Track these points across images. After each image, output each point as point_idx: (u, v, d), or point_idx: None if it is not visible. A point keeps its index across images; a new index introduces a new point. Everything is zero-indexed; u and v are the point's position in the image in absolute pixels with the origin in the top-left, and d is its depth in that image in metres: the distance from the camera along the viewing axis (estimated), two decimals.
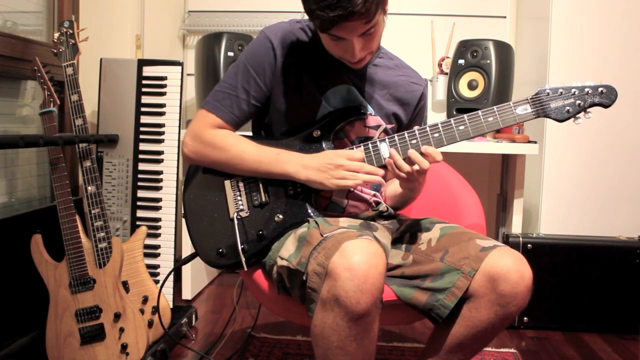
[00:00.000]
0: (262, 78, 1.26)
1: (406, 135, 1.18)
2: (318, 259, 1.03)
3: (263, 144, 1.26)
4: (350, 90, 1.27)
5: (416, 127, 1.19)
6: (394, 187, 1.40)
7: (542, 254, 2.04)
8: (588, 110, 1.15)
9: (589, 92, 1.14)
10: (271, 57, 1.25)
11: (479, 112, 1.17)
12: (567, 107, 1.15)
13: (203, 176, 1.32)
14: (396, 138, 1.19)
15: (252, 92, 1.26)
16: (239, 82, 1.26)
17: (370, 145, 1.21)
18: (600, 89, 1.14)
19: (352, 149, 1.23)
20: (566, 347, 1.93)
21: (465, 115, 1.17)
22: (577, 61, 2.17)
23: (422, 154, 1.14)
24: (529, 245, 2.04)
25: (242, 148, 1.24)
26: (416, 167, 1.14)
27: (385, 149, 1.19)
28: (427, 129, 1.18)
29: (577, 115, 1.16)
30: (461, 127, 1.17)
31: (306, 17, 1.13)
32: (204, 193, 1.32)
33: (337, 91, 1.27)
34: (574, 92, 1.15)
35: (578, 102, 1.14)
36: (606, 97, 1.14)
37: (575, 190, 2.22)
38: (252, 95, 1.26)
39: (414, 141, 1.18)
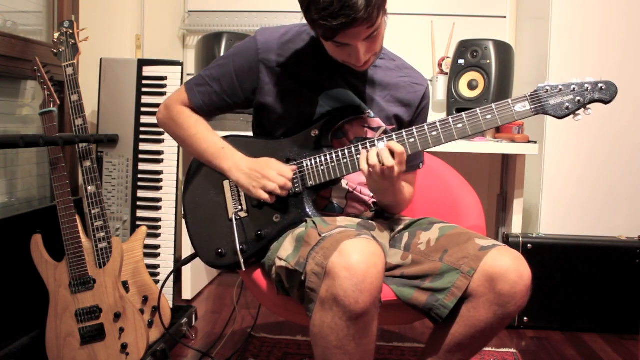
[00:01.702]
0: (239, 79, 1.28)
1: (404, 133, 1.18)
2: (316, 259, 1.03)
3: (261, 144, 1.27)
4: (347, 93, 1.27)
5: (414, 126, 1.19)
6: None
7: (542, 254, 2.04)
8: (588, 106, 1.13)
9: (589, 88, 1.13)
10: (255, 62, 1.26)
11: (477, 110, 1.16)
12: (567, 104, 1.13)
13: (202, 177, 1.33)
14: (394, 137, 1.19)
15: (226, 87, 1.29)
16: (218, 74, 1.30)
17: (368, 144, 1.20)
18: (599, 85, 1.13)
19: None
20: (566, 347, 1.93)
21: (463, 114, 1.16)
22: (577, 61, 2.17)
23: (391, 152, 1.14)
24: (529, 245, 2.04)
25: (197, 132, 1.30)
26: (392, 164, 1.12)
27: (382, 147, 1.19)
28: (425, 127, 1.18)
29: (577, 112, 1.14)
30: (459, 126, 1.17)
31: (304, 19, 1.13)
32: (204, 194, 1.32)
33: (334, 94, 1.26)
34: (573, 88, 1.13)
35: (577, 98, 1.13)
36: (606, 93, 1.12)
37: (575, 190, 2.21)
38: (225, 90, 1.30)
39: (412, 140, 1.18)
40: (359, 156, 1.20)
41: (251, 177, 1.22)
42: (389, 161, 1.12)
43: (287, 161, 1.27)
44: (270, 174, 1.21)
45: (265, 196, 1.20)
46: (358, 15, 1.01)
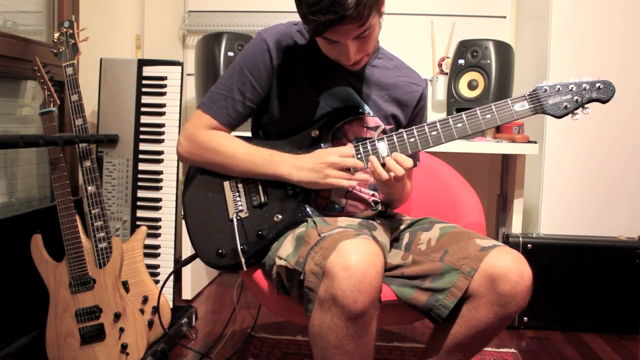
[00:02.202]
0: (257, 80, 1.26)
1: (404, 133, 1.18)
2: (315, 259, 1.03)
3: (258, 145, 1.27)
4: (347, 91, 1.27)
5: (414, 126, 1.19)
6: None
7: (542, 254, 2.04)
8: (586, 106, 1.15)
9: (587, 87, 1.14)
10: (267, 59, 1.25)
11: (477, 109, 1.16)
12: (565, 103, 1.14)
13: (202, 177, 1.32)
14: (394, 137, 1.19)
15: (248, 94, 1.26)
16: (234, 84, 1.26)
17: (368, 144, 1.20)
18: (597, 85, 1.14)
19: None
20: (566, 347, 1.93)
21: (463, 113, 1.17)
22: (577, 61, 2.17)
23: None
24: (529, 245, 2.04)
25: (235, 149, 1.25)
26: (392, 173, 1.14)
27: (383, 147, 1.19)
28: (425, 127, 1.18)
29: (575, 111, 1.15)
30: (459, 125, 1.17)
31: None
32: (204, 194, 1.32)
33: (334, 92, 1.27)
34: (572, 88, 1.14)
35: (576, 98, 1.14)
36: (604, 92, 1.14)
37: (575, 190, 2.21)
38: (248, 97, 1.27)
39: (412, 139, 1.18)
40: (375, 148, 1.20)
41: (318, 171, 1.18)
42: (399, 171, 1.13)
43: None
44: (334, 159, 1.18)
45: (340, 182, 1.17)
46: (347, 12, 1.02)
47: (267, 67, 1.26)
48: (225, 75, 1.29)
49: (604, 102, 1.14)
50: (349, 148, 1.20)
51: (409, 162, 1.14)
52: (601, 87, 1.14)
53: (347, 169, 1.19)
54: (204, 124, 1.28)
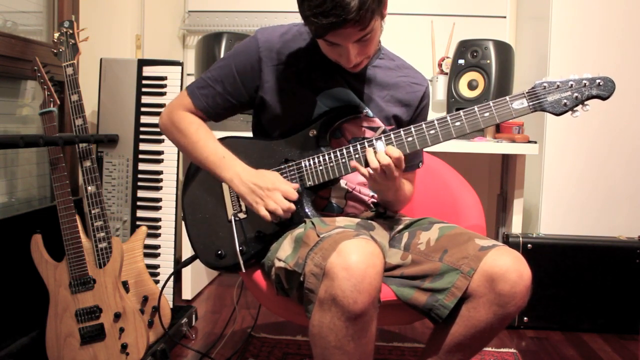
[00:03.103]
0: (241, 78, 1.27)
1: (402, 132, 1.18)
2: (315, 260, 1.03)
3: (260, 145, 1.27)
4: (346, 92, 1.27)
5: (412, 125, 1.19)
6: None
7: (542, 254, 2.04)
8: (586, 102, 1.13)
9: (586, 84, 1.12)
10: (256, 61, 1.26)
11: (475, 107, 1.16)
12: (565, 100, 1.13)
13: (201, 178, 1.33)
14: (392, 135, 1.18)
15: (229, 88, 1.28)
16: (219, 75, 1.29)
17: (366, 144, 1.20)
18: (597, 81, 1.12)
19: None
20: (566, 347, 1.93)
21: (461, 112, 1.16)
22: (577, 61, 2.17)
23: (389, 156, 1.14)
24: (529, 245, 2.04)
25: (199, 139, 1.28)
26: (374, 166, 1.13)
27: (381, 146, 1.19)
28: (423, 126, 1.17)
29: (575, 108, 1.14)
30: (457, 124, 1.16)
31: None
32: (203, 195, 1.32)
33: (332, 93, 1.27)
34: (571, 84, 1.13)
35: (575, 94, 1.12)
36: (603, 88, 1.12)
37: (575, 190, 2.21)
38: (228, 91, 1.29)
39: (410, 138, 1.18)
40: (357, 156, 1.20)
41: (255, 193, 1.19)
42: (384, 159, 1.12)
43: (286, 161, 1.27)
44: (276, 197, 1.18)
45: (268, 216, 1.18)
46: (349, 16, 1.01)
47: (255, 69, 1.26)
48: (215, 65, 1.32)
49: (604, 98, 1.12)
50: (294, 193, 1.20)
51: (396, 151, 1.13)
52: (601, 83, 1.12)
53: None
54: (184, 105, 1.32)
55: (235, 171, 1.22)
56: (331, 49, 1.15)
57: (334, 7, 1.01)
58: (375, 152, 1.15)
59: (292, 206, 1.18)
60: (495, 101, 1.15)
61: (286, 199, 1.18)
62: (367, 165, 1.15)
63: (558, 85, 1.14)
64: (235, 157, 1.25)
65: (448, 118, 1.17)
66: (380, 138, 1.19)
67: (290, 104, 1.27)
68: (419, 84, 1.35)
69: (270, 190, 1.19)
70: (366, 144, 1.20)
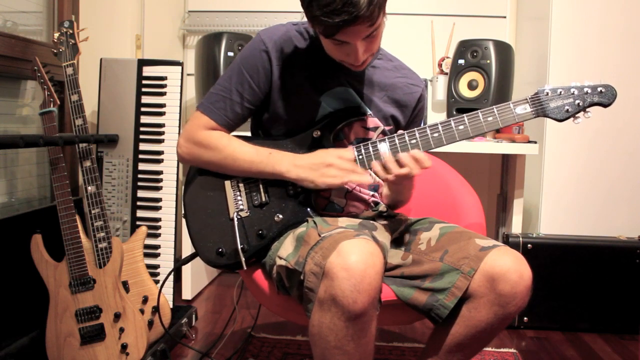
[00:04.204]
0: (255, 81, 1.26)
1: (406, 135, 1.19)
2: (315, 259, 1.03)
3: (257, 144, 1.27)
4: (348, 92, 1.27)
5: (416, 128, 1.19)
6: (385, 189, 1.41)
7: (542, 254, 2.04)
8: (587, 109, 1.16)
9: (588, 91, 1.15)
10: (265, 60, 1.25)
11: (479, 111, 1.17)
12: (567, 107, 1.15)
13: (203, 176, 1.32)
14: (396, 138, 1.19)
15: (246, 95, 1.27)
16: (233, 85, 1.26)
17: (370, 146, 1.21)
18: (599, 89, 1.15)
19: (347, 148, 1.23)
20: (566, 347, 1.93)
21: (464, 115, 1.17)
22: (577, 61, 2.17)
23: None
24: (529, 245, 2.04)
25: (235, 148, 1.25)
26: (405, 170, 1.13)
27: (385, 149, 1.19)
28: (427, 129, 1.18)
29: (577, 115, 1.16)
30: (461, 127, 1.17)
31: (304, 18, 1.13)
32: (205, 193, 1.32)
33: (334, 93, 1.27)
34: (573, 91, 1.15)
35: (577, 101, 1.15)
36: (605, 96, 1.15)
37: (575, 190, 2.21)
38: (246, 98, 1.27)
39: (414, 141, 1.18)
40: (360, 157, 1.20)
41: (315, 170, 1.19)
42: (416, 171, 1.14)
43: None
44: (333, 160, 1.18)
45: (337, 181, 1.18)
46: (360, 12, 1.02)
47: (266, 68, 1.26)
48: (224, 76, 1.29)
49: (605, 106, 1.15)
50: (349, 151, 1.21)
51: (427, 162, 1.14)
52: (603, 91, 1.14)
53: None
54: (202, 125, 1.28)
55: (289, 160, 1.22)
56: (338, 49, 1.15)
57: (345, 4, 1.01)
58: (384, 159, 1.17)
59: (352, 164, 1.19)
60: (498, 106, 1.16)
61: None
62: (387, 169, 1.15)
63: (560, 92, 1.15)
64: (276, 150, 1.24)
65: (452, 121, 1.17)
66: (384, 140, 1.20)
67: (293, 104, 1.27)
68: (415, 85, 1.36)
69: (325, 158, 1.19)
70: (370, 146, 1.20)
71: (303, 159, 1.21)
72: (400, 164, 1.14)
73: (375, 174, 1.20)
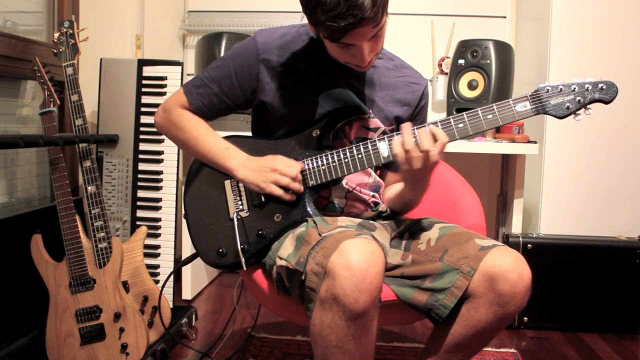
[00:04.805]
0: (239, 79, 1.28)
1: None
2: (316, 259, 1.03)
3: (257, 143, 1.28)
4: (347, 93, 1.27)
5: (415, 127, 1.19)
6: (392, 191, 1.39)
7: (542, 254, 2.04)
8: (588, 106, 1.14)
9: (589, 88, 1.13)
10: (254, 63, 1.26)
11: (478, 109, 1.16)
12: (567, 104, 1.14)
13: (204, 177, 1.33)
14: (395, 136, 1.19)
15: (225, 89, 1.29)
16: (217, 75, 1.30)
17: (369, 144, 1.20)
18: (600, 85, 1.13)
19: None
20: (566, 347, 1.93)
21: (464, 113, 1.17)
22: (577, 61, 2.17)
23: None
24: (529, 245, 2.04)
25: (199, 134, 1.30)
26: (433, 148, 1.09)
27: (384, 147, 1.19)
28: (426, 127, 1.18)
29: (577, 112, 1.15)
30: (460, 125, 1.17)
31: (304, 19, 1.13)
32: (205, 193, 1.32)
33: (334, 94, 1.27)
34: (574, 88, 1.14)
35: (578, 98, 1.14)
36: (606, 93, 1.13)
37: (575, 190, 2.21)
38: (225, 92, 1.29)
39: (413, 139, 1.18)
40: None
41: (260, 173, 1.22)
42: (428, 144, 1.10)
43: None
44: (279, 167, 1.21)
45: (277, 191, 1.20)
46: (365, 14, 1.02)
47: (252, 71, 1.27)
48: (213, 64, 1.32)
49: (606, 102, 1.14)
50: (298, 164, 1.23)
51: (444, 136, 1.11)
52: (604, 87, 1.13)
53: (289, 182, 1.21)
54: (180, 103, 1.33)
55: (240, 159, 1.25)
56: (343, 51, 1.15)
57: (349, 7, 1.01)
58: (384, 159, 1.17)
59: (299, 175, 1.21)
60: (498, 103, 1.16)
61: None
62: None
63: (561, 89, 1.14)
64: (239, 149, 1.28)
65: (451, 119, 1.17)
66: (383, 139, 1.20)
67: (292, 104, 1.27)
68: (417, 84, 1.36)
69: (272, 164, 1.21)
70: (369, 145, 1.20)
71: (254, 162, 1.24)
72: (419, 143, 1.11)
73: (395, 156, 1.14)
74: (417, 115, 1.37)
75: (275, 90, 1.27)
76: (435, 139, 1.11)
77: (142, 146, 2.00)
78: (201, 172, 1.33)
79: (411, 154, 1.11)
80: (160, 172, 2.00)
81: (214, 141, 1.29)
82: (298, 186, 1.22)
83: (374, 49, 1.15)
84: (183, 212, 1.37)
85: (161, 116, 1.36)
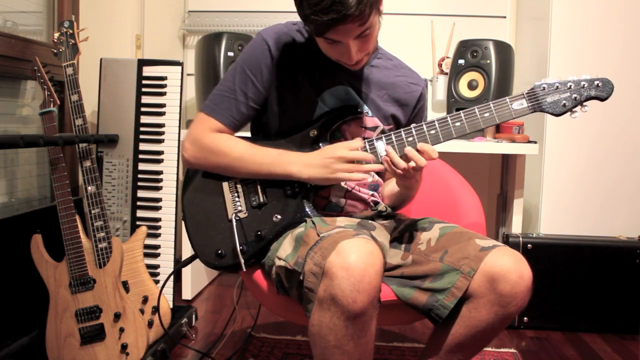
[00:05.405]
0: (259, 80, 1.26)
1: (402, 132, 1.19)
2: (315, 259, 1.03)
3: (261, 145, 1.26)
4: (347, 91, 1.27)
5: (412, 125, 1.19)
6: (391, 187, 1.40)
7: (542, 254, 2.04)
8: (584, 103, 1.15)
9: (585, 85, 1.14)
10: (268, 59, 1.25)
11: (475, 108, 1.17)
12: (564, 101, 1.15)
13: (201, 178, 1.32)
14: (392, 136, 1.19)
15: (250, 94, 1.26)
16: (237, 85, 1.26)
17: (366, 144, 1.21)
18: (596, 82, 1.14)
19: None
20: (566, 347, 1.93)
21: (461, 112, 1.17)
22: (577, 61, 2.17)
23: (418, 151, 1.14)
24: (529, 245, 2.04)
25: (243, 151, 1.24)
26: (412, 164, 1.13)
27: (381, 146, 1.19)
28: (424, 125, 1.18)
29: (574, 109, 1.15)
30: (457, 124, 1.17)
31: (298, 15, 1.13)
32: (203, 195, 1.32)
33: (333, 92, 1.27)
34: (570, 86, 1.14)
35: (574, 95, 1.14)
36: (602, 90, 1.14)
37: (575, 190, 2.21)
38: (250, 97, 1.26)
39: (410, 138, 1.18)
40: (373, 147, 1.20)
41: (324, 167, 1.18)
42: (421, 162, 1.12)
43: None
44: (343, 153, 1.17)
45: (348, 176, 1.17)
46: (349, 11, 1.02)
47: (269, 67, 1.26)
48: (226, 77, 1.29)
49: (602, 99, 1.14)
50: (357, 141, 1.20)
51: (434, 152, 1.12)
52: (599, 84, 1.14)
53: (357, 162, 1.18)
54: (208, 127, 1.26)
55: (299, 161, 1.20)
56: (332, 48, 1.15)
57: (333, 3, 1.01)
58: (381, 157, 1.17)
59: (362, 153, 1.18)
60: (495, 102, 1.16)
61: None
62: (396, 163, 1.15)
63: (557, 87, 1.15)
64: (284, 150, 1.23)
65: (448, 118, 1.17)
66: (380, 138, 1.20)
67: (291, 103, 1.27)
68: (416, 84, 1.36)
69: (334, 153, 1.18)
70: (366, 144, 1.20)
71: (312, 158, 1.20)
72: (407, 158, 1.14)
73: (385, 169, 1.19)
74: (415, 116, 1.37)
75: (275, 88, 1.27)
76: (425, 155, 1.13)
77: (142, 146, 2.00)
78: (198, 174, 1.33)
79: (394, 169, 1.15)
80: (160, 172, 2.00)
81: (262, 153, 1.23)
82: (370, 156, 1.18)
83: (363, 49, 1.15)
84: (182, 214, 1.37)
85: (192, 150, 1.26)
